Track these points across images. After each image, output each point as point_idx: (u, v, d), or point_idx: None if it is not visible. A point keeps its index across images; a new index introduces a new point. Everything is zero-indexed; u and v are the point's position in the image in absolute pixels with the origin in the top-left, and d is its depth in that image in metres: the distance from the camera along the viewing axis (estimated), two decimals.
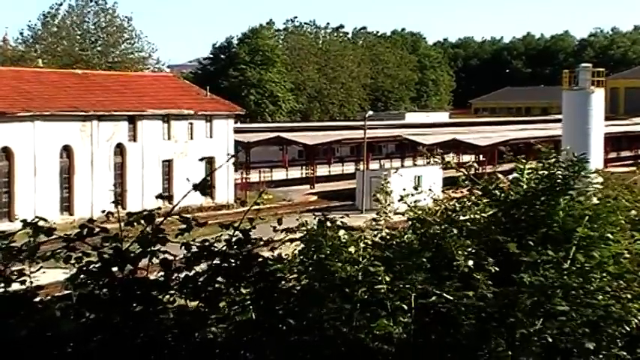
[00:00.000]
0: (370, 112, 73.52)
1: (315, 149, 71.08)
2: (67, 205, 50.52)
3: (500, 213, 6.59)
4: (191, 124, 58.10)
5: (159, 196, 5.42)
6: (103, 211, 5.16)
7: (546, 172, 6.61)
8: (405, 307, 5.69)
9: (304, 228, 6.02)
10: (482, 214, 6.56)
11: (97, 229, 4.93)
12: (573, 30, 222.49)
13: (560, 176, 6.56)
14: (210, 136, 59.15)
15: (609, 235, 6.25)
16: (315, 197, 62.28)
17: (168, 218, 5.21)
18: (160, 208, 5.20)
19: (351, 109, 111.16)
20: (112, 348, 4.61)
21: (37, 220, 4.96)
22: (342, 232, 5.98)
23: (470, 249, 5.98)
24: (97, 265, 4.85)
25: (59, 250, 4.90)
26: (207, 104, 60.30)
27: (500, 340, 5.74)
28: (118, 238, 4.91)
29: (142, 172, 54.39)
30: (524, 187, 6.61)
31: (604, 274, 5.95)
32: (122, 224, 4.96)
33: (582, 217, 6.25)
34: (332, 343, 5.52)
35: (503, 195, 6.69)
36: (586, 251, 6.05)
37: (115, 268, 4.87)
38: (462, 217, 6.57)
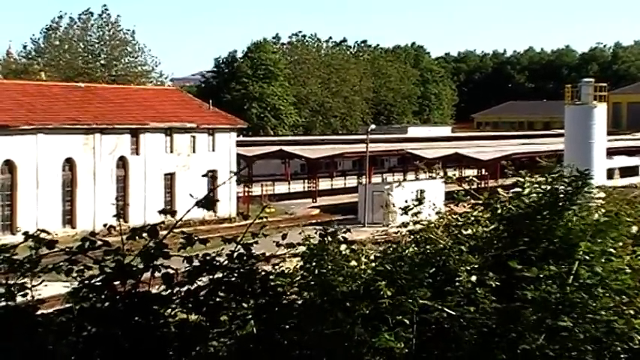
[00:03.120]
0: (372, 126, 73.62)
1: (318, 163, 71.11)
2: (69, 218, 50.53)
3: (502, 227, 6.58)
4: (193, 137, 58.17)
5: (162, 212, 5.40)
6: (105, 225, 5.16)
7: (549, 187, 6.60)
8: (407, 321, 5.67)
9: (306, 242, 6.01)
10: (484, 229, 6.55)
11: (99, 243, 4.93)
12: (575, 44, 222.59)
13: (562, 191, 6.56)
14: (213, 150, 59.21)
15: (612, 250, 6.23)
16: (317, 211, 62.23)
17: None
18: (163, 222, 5.19)
19: (353, 122, 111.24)
20: None
21: (39, 232, 4.96)
22: (343, 247, 5.97)
23: (473, 264, 5.96)
24: (98, 279, 4.85)
25: (61, 263, 4.89)
26: (209, 118, 60.39)
27: (502, 356, 5.71)
28: (120, 252, 4.90)
29: (144, 185, 54.41)
30: (527, 201, 6.60)
31: (606, 290, 5.93)
32: (124, 238, 4.96)
33: (584, 232, 6.23)
34: (333, 358, 5.50)
35: (505, 209, 6.68)
36: (588, 266, 6.03)
37: (116, 282, 4.86)
38: (464, 232, 6.55)
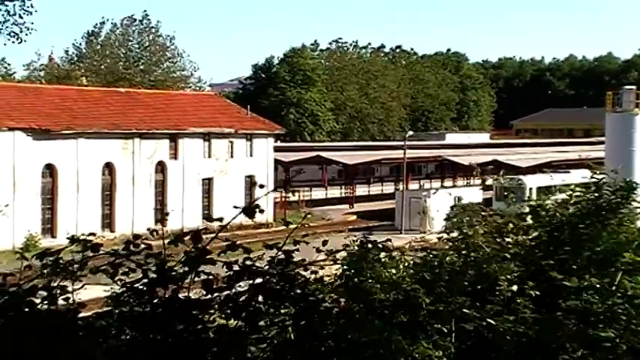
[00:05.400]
0: (410, 132, 73.32)
1: (355, 169, 71.02)
2: (108, 222, 50.98)
3: (544, 235, 6.50)
4: (231, 142, 58.42)
5: (207, 218, 5.42)
6: (149, 229, 5.20)
7: (594, 195, 6.50)
8: (445, 330, 5.61)
9: (346, 249, 5.98)
10: (526, 237, 6.47)
11: (143, 246, 4.96)
12: (617, 51, 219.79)
13: (606, 200, 6.46)
14: (251, 155, 59.42)
15: None
16: (354, 217, 62.15)
17: (209, 236, 5.21)
18: (206, 228, 5.22)
19: (391, 128, 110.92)
20: None
21: (86, 236, 5.02)
22: (383, 254, 5.93)
23: (514, 273, 5.88)
24: (141, 284, 4.87)
25: (104, 267, 4.93)
26: (247, 123, 60.62)
27: None
28: (163, 257, 4.92)
29: (182, 190, 54.76)
30: (571, 210, 6.52)
31: None
32: (166, 242, 4.98)
33: (628, 242, 6.13)
34: None
35: (548, 217, 6.59)
36: (631, 277, 5.93)
37: (158, 287, 4.88)
38: (505, 240, 6.48)
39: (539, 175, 61.89)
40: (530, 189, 56.94)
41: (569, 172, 60.18)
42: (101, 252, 4.94)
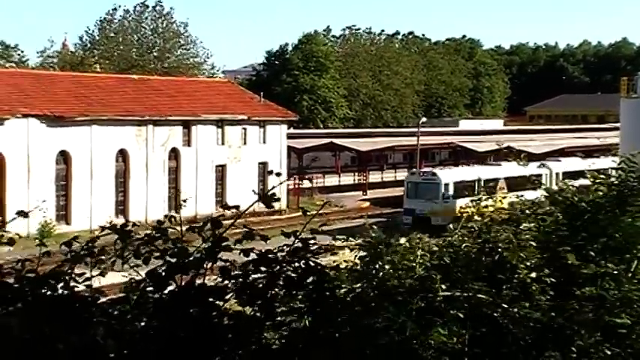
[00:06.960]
0: (423, 119, 73.21)
1: (368, 155, 70.98)
2: (121, 209, 51.17)
3: (562, 221, 6.48)
4: (245, 129, 58.45)
5: (224, 206, 5.44)
6: (166, 215, 5.23)
7: (615, 182, 6.48)
8: (461, 316, 5.62)
9: (366, 235, 5.98)
10: (542, 223, 6.45)
11: (158, 233, 4.97)
12: (632, 37, 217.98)
13: (629, 186, 6.42)
14: (264, 142, 59.46)
15: None
16: (367, 204, 62.18)
17: (225, 223, 5.22)
18: (223, 215, 5.23)
19: (404, 115, 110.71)
20: (168, 353, 4.63)
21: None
22: (403, 240, 5.93)
23: (534, 260, 5.87)
24: (161, 270, 4.88)
25: (127, 254, 4.94)
26: (260, 110, 60.64)
27: (556, 353, 5.64)
28: (182, 244, 4.94)
29: (195, 177, 54.89)
30: (590, 196, 6.50)
31: None
32: (184, 229, 5.00)
33: None
34: (386, 353, 5.47)
35: (570, 202, 6.57)
36: None
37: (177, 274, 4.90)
38: (522, 225, 6.46)
39: (457, 169, 54.98)
40: (447, 185, 50.73)
41: (500, 164, 53.28)
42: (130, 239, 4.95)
